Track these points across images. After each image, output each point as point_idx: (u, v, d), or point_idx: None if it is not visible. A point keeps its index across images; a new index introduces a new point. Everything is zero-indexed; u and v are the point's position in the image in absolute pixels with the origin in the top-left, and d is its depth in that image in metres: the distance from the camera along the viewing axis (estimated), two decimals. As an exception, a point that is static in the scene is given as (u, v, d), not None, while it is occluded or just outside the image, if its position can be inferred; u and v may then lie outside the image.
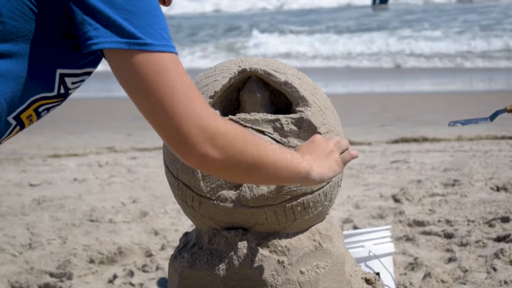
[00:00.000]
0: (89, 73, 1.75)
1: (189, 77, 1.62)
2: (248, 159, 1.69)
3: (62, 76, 1.69)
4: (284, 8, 28.68)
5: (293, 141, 2.27)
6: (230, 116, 2.29)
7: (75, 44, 1.65)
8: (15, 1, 1.60)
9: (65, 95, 1.73)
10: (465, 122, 2.02)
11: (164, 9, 1.80)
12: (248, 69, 2.34)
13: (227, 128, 1.63)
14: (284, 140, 2.27)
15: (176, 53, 1.62)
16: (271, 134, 2.27)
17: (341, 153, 2.05)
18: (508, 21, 19.94)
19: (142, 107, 1.60)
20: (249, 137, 1.69)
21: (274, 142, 2.26)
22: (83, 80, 1.75)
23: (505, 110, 2.18)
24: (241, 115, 2.29)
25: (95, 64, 1.74)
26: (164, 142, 1.64)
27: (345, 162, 2.05)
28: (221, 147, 1.62)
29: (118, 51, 1.57)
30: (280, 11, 27.62)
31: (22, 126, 1.71)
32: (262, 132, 2.26)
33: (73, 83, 1.72)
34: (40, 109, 1.71)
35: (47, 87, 1.68)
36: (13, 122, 1.68)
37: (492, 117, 2.07)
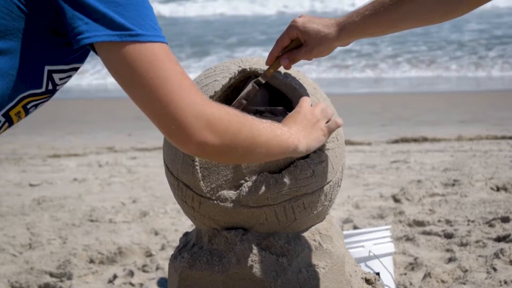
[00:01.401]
0: (76, 69, 1.76)
1: (181, 67, 1.63)
2: (244, 141, 1.72)
3: (50, 72, 1.69)
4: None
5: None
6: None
7: (64, 40, 1.65)
8: (2, 0, 1.60)
9: (53, 91, 1.74)
10: None
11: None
12: (248, 69, 2.34)
13: (221, 113, 1.65)
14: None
15: (167, 43, 1.63)
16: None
17: (327, 121, 2.09)
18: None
19: (137, 98, 1.61)
20: (243, 119, 1.72)
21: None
22: (70, 76, 1.76)
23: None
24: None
25: (82, 59, 1.75)
26: (161, 132, 1.65)
27: (330, 131, 2.10)
28: (217, 133, 1.64)
29: (110, 44, 1.57)
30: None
31: (10, 122, 1.72)
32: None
33: (60, 79, 1.73)
34: (28, 106, 1.72)
35: (36, 84, 1.68)
36: (2, 119, 1.69)
37: None
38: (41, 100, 1.74)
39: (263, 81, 2.26)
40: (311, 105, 2.12)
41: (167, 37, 1.66)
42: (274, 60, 2.22)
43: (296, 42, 2.17)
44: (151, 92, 1.58)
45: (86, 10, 1.57)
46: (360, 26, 2.10)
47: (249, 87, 2.26)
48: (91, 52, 1.69)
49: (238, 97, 2.28)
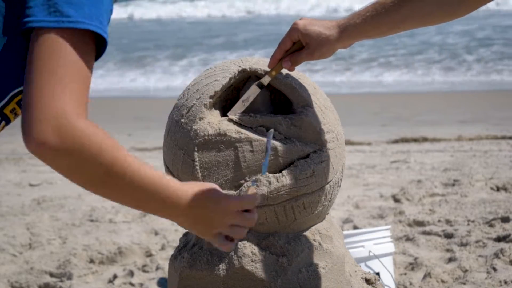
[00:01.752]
0: None
1: (88, 71, 1.56)
2: (94, 166, 1.54)
3: None
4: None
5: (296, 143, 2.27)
6: (230, 116, 2.29)
7: None
8: None
9: None
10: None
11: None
12: (248, 69, 2.34)
13: (85, 130, 1.53)
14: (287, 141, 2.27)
15: (105, 38, 1.57)
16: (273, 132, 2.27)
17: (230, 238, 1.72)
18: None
19: (26, 76, 1.53)
20: (109, 147, 1.55)
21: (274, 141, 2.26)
22: None
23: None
24: (240, 116, 2.29)
25: None
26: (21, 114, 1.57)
27: (220, 245, 1.72)
28: (66, 143, 1.50)
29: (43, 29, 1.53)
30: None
31: (7, 120, 1.71)
32: (267, 129, 2.26)
33: None
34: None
35: (23, 80, 1.67)
36: None
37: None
38: None
39: (265, 83, 2.27)
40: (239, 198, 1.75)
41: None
42: (276, 63, 2.23)
43: (298, 45, 2.18)
44: (36, 73, 1.51)
45: None
46: (361, 28, 2.11)
47: (251, 89, 2.27)
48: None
49: (240, 99, 2.28)
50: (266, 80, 2.26)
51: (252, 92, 2.27)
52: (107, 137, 1.57)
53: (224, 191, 1.69)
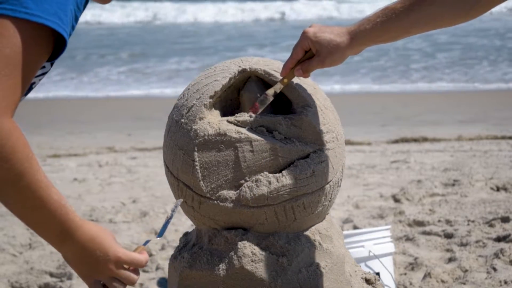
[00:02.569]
0: (47, 65, 1.66)
1: (31, 69, 1.50)
2: (3, 170, 1.48)
3: None
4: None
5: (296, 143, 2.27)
6: (228, 118, 2.29)
7: None
8: None
9: (30, 88, 1.66)
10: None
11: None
12: (248, 69, 2.34)
13: (3, 131, 1.46)
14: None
15: (64, 36, 1.51)
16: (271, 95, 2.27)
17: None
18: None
19: None
20: (23, 157, 1.49)
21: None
22: (44, 74, 1.68)
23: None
24: (240, 116, 2.29)
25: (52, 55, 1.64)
26: None
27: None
28: None
29: None
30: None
31: None
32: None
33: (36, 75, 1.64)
34: None
35: None
36: None
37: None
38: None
39: (278, 91, 2.27)
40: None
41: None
42: (289, 71, 2.23)
43: (310, 53, 2.18)
44: None
45: None
46: (372, 34, 2.10)
47: (263, 97, 2.27)
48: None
49: (250, 107, 2.29)
50: (278, 87, 2.27)
51: (265, 100, 2.27)
52: (23, 144, 1.50)
53: (118, 247, 1.70)
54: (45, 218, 1.58)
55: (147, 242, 1.86)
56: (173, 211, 1.94)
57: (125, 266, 1.70)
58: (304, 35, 2.15)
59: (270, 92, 2.27)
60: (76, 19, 1.59)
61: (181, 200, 2.05)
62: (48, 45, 1.52)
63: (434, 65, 13.37)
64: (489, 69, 12.64)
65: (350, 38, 2.11)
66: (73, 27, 1.58)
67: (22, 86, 1.50)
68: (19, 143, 1.49)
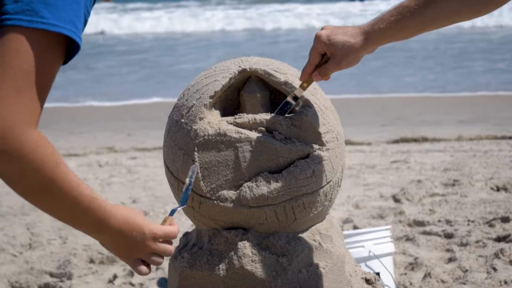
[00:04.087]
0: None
1: (49, 80, 1.52)
2: (34, 178, 1.53)
3: None
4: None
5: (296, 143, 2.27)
6: (227, 119, 2.29)
7: None
8: None
9: None
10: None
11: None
12: (248, 69, 2.34)
13: (29, 143, 1.50)
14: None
15: (77, 42, 1.52)
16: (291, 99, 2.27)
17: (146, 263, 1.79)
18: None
19: None
20: (51, 163, 1.54)
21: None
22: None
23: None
24: (239, 117, 2.29)
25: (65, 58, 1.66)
26: None
27: (135, 270, 1.79)
28: (7, 151, 1.48)
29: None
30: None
31: None
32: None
33: None
34: None
35: None
36: None
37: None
38: None
39: (299, 95, 2.27)
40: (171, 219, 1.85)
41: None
42: (307, 76, 2.22)
43: (327, 57, 2.16)
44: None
45: None
46: (387, 33, 2.08)
47: (285, 103, 2.27)
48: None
49: (275, 112, 2.29)
50: (299, 92, 2.26)
51: (289, 105, 2.28)
52: (51, 152, 1.54)
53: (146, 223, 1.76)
54: (80, 214, 1.64)
55: (173, 211, 1.90)
56: (191, 177, 1.97)
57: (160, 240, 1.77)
58: (318, 39, 2.14)
59: (290, 98, 2.27)
60: (86, 22, 1.61)
61: (197, 165, 2.03)
62: (62, 51, 1.55)
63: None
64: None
65: (364, 38, 2.10)
66: (82, 30, 1.60)
67: (43, 95, 1.53)
68: (47, 152, 1.54)
